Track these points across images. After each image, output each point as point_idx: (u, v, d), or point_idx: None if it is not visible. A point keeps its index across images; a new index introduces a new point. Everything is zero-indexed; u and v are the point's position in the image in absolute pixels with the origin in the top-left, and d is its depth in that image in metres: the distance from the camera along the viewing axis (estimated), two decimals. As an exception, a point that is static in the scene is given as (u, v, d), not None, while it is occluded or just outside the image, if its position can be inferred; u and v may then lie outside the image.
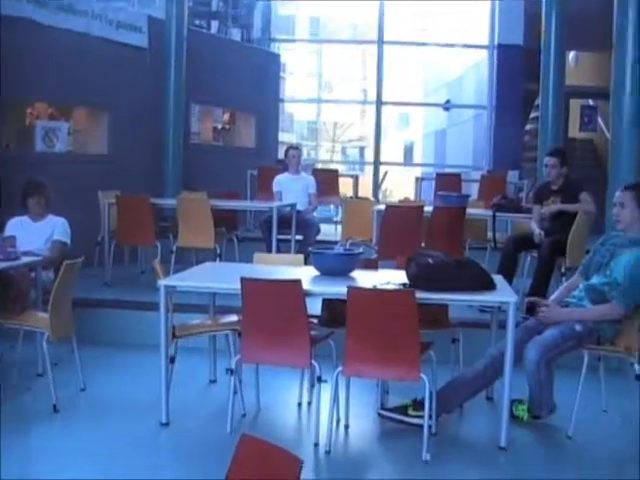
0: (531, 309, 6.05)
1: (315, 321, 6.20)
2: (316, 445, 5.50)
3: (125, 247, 10.43)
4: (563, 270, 8.57)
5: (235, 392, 5.83)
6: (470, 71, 20.33)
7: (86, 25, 10.81)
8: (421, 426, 5.42)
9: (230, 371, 5.76)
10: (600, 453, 5.80)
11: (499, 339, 5.94)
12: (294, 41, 23.27)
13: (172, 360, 5.96)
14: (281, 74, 17.86)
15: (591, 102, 18.28)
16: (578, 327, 5.80)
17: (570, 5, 12.83)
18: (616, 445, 6.00)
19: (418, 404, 5.74)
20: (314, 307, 6.14)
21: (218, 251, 9.47)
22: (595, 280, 6.04)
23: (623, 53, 8.68)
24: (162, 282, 5.81)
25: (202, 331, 6.40)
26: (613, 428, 6.41)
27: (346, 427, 5.98)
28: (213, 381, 6.96)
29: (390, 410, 5.98)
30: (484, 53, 17.25)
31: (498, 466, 5.52)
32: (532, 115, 16.92)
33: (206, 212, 9.38)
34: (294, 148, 11.70)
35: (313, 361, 5.47)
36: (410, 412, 5.82)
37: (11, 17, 9.54)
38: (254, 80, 14.97)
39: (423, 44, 20.55)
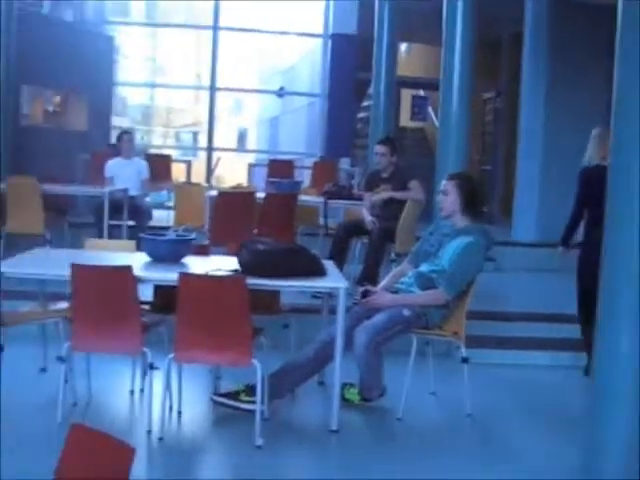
0: (365, 296, 6.16)
1: (147, 307, 6.16)
2: (149, 432, 5.48)
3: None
4: (393, 256, 8.75)
5: (66, 381, 5.74)
6: (305, 59, 20.47)
7: None
8: (253, 411, 5.45)
9: (60, 359, 5.67)
10: (428, 434, 5.97)
11: (330, 324, 6.03)
12: (129, 24, 22.86)
13: (1, 349, 5.82)
14: (115, 57, 17.56)
15: (422, 92, 18.67)
16: (406, 312, 5.95)
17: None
18: (444, 425, 6.21)
19: (250, 389, 5.76)
20: (146, 293, 6.10)
21: (48, 237, 9.27)
22: (424, 268, 6.20)
23: (452, 46, 8.92)
24: (-11, 269, 5.66)
25: (31, 318, 6.26)
26: (441, 409, 6.63)
27: (179, 414, 5.96)
28: (43, 370, 6.80)
29: (223, 396, 5.99)
30: (319, 41, 17.38)
31: (330, 449, 5.63)
32: (365, 103, 17.18)
33: (36, 197, 9.17)
34: (127, 133, 11.54)
35: (144, 348, 5.44)
36: (242, 397, 5.84)
37: None
38: (87, 62, 14.65)
39: (258, 31, 20.51)
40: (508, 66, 16.31)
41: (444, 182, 6.33)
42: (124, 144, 11.02)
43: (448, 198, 6.21)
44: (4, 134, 12.01)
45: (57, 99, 15.34)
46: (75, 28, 15.21)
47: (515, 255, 11.40)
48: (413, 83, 18.26)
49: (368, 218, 8.91)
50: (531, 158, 12.63)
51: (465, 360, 6.13)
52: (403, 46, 18.22)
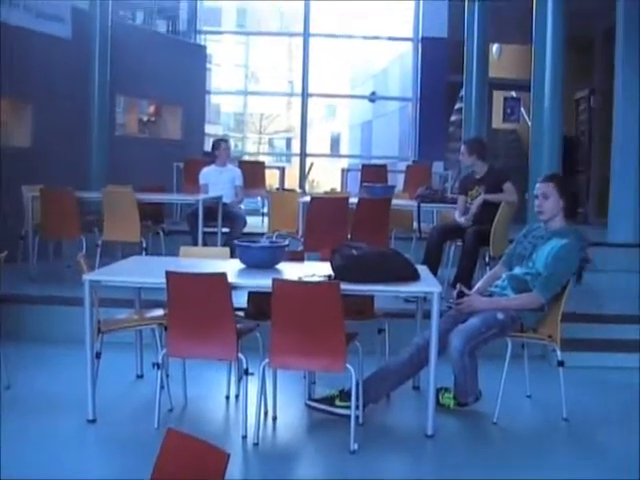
0: (460, 296, 6.12)
1: (241, 314, 6.22)
2: (244, 438, 5.52)
3: (50, 241, 10.30)
4: (487, 259, 8.68)
5: (162, 387, 5.82)
6: (395, 63, 20.44)
7: (3, 14, 10.58)
8: (348, 416, 5.45)
9: (156, 365, 5.75)
10: (525, 438, 5.90)
11: (424, 329, 6.01)
12: (220, 33, 23.15)
13: (98, 355, 5.92)
14: (207, 65, 17.77)
15: (514, 94, 18.49)
16: (500, 315, 5.89)
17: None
18: (540, 429, 6.13)
19: (345, 394, 5.77)
20: (240, 300, 6.15)
21: (144, 245, 9.41)
22: (518, 271, 6.14)
23: (542, 46, 8.82)
24: (86, 277, 5.77)
25: (128, 326, 6.36)
26: (537, 413, 6.57)
27: (274, 419, 6.00)
28: (140, 376, 6.92)
29: (317, 401, 6.00)
30: (409, 45, 17.36)
31: (426, 454, 5.61)
32: (457, 106, 17.09)
33: (132, 205, 9.31)
34: (224, 140, 11.65)
35: (240, 354, 5.48)
36: (337, 402, 5.85)
37: None
38: (180, 72, 14.88)
39: (349, 36, 20.60)
40: (601, 64, 16.04)
41: (540, 184, 6.19)
42: (222, 152, 11.10)
43: (549, 201, 6.07)
44: (100, 144, 12.27)
45: (151, 109, 15.58)
46: (168, 39, 15.44)
47: (611, 256, 11.18)
48: (505, 84, 18.09)
49: (461, 219, 8.87)
50: (627, 157, 12.38)
51: (561, 363, 6.05)
52: (494, 47, 18.06)
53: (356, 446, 5.32)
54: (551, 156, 8.96)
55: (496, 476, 5.17)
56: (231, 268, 5.90)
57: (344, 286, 5.34)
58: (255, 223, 12.46)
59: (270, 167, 14.88)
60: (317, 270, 5.83)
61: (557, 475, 5.28)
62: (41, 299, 8.57)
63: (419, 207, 9.77)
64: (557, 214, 6.08)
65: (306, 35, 17.09)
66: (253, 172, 12.74)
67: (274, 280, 5.34)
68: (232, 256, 6.77)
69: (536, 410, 6.61)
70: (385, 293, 6.08)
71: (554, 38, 8.75)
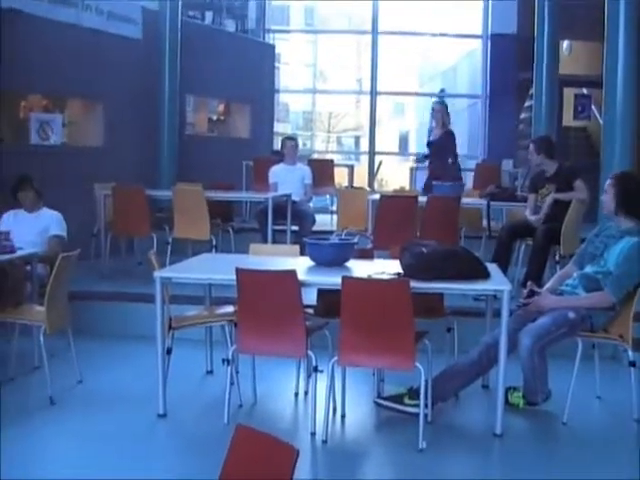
0: (531, 295, 6.07)
1: (311, 311, 6.23)
2: (313, 434, 5.53)
3: (121, 239, 10.43)
4: (557, 258, 8.59)
5: (232, 383, 5.86)
6: (464, 60, 20.35)
7: (76, 16, 10.77)
8: (417, 414, 5.45)
9: (226, 362, 5.79)
10: (594, 439, 5.83)
11: (494, 327, 5.97)
12: (289, 31, 23.25)
13: (169, 351, 6.00)
14: (276, 64, 17.84)
15: (585, 91, 18.28)
16: (571, 314, 5.83)
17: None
18: (610, 431, 6.05)
19: (414, 393, 5.76)
20: (309, 297, 6.17)
21: (214, 242, 9.47)
22: (589, 269, 6.07)
23: (615, 42, 8.69)
24: (157, 274, 5.83)
25: (198, 322, 6.42)
26: (607, 414, 6.47)
27: (342, 416, 6.00)
28: (210, 372, 6.98)
29: (386, 399, 6.01)
30: (478, 42, 17.26)
31: (494, 453, 5.57)
32: (527, 104, 16.94)
33: (201, 203, 9.38)
34: (291, 139, 11.68)
35: (309, 351, 5.51)
36: (406, 401, 5.84)
37: (1, 9, 9.50)
38: (249, 71, 14.97)
39: (417, 34, 20.52)
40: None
41: (608, 181, 6.21)
42: (289, 150, 11.14)
43: (606, 197, 6.11)
44: (170, 143, 12.39)
45: (221, 107, 15.69)
46: (236, 38, 15.53)
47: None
48: (576, 81, 17.88)
49: (532, 218, 8.78)
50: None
51: (632, 364, 5.95)
52: (564, 43, 17.87)
53: (424, 444, 5.31)
54: (623, 154, 8.83)
55: (565, 477, 5.13)
56: (301, 265, 5.93)
57: (414, 284, 5.33)
58: (324, 221, 12.47)
59: (339, 165, 14.88)
60: (386, 268, 5.83)
61: (627, 477, 5.20)
62: (113, 295, 8.69)
63: (489, 205, 9.70)
64: (614, 211, 6.06)
65: (374, 33, 17.07)
66: (322, 170, 12.76)
67: (344, 278, 5.34)
68: (302, 254, 6.78)
69: (606, 411, 6.52)
70: (454, 291, 6.03)
71: (627, 33, 8.61)
